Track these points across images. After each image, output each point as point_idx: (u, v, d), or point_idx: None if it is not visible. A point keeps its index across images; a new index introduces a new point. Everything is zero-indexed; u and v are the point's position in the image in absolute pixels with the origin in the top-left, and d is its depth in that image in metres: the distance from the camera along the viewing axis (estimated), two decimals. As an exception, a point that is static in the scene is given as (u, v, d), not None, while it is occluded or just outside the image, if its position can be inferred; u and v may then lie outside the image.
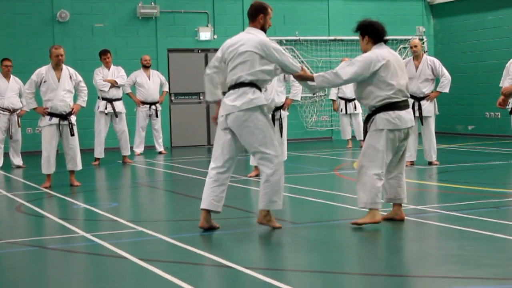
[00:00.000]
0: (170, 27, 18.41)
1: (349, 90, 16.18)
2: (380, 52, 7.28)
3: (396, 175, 7.50)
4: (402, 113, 7.27)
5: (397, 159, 7.44)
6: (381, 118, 7.22)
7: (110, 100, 14.57)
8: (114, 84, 14.56)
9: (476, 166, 12.55)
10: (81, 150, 11.49)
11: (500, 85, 12.29)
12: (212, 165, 7.30)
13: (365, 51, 7.37)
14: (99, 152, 14.60)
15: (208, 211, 7.28)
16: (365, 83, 7.27)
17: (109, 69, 14.71)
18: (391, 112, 7.22)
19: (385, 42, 7.43)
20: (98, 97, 14.72)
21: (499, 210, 8.13)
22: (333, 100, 17.08)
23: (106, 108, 14.56)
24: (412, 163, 12.49)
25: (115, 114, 14.57)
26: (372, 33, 7.38)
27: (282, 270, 5.90)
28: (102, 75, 14.63)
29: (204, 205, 7.25)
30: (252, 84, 7.18)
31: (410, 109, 7.43)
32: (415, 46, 12.48)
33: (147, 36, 18.21)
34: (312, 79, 7.31)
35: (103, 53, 14.86)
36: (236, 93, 7.19)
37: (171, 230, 7.62)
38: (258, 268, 5.80)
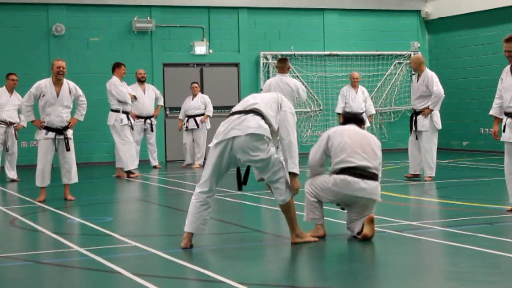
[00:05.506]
0: (165, 41, 18.44)
1: (356, 105, 16.16)
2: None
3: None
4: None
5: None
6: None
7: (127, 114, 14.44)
8: (133, 99, 14.55)
9: (471, 182, 12.57)
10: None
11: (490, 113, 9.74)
12: (201, 189, 7.18)
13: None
14: (131, 164, 14.36)
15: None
16: None
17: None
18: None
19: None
20: (113, 110, 14.37)
21: (493, 226, 8.14)
22: (340, 114, 17.05)
23: (128, 120, 14.42)
24: (415, 176, 12.70)
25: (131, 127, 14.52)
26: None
27: (277, 286, 5.89)
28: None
29: (191, 229, 7.17)
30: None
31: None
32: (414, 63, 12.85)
33: (142, 50, 18.24)
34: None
35: (118, 66, 14.49)
36: None
37: (165, 245, 7.60)
38: (252, 283, 5.79)
